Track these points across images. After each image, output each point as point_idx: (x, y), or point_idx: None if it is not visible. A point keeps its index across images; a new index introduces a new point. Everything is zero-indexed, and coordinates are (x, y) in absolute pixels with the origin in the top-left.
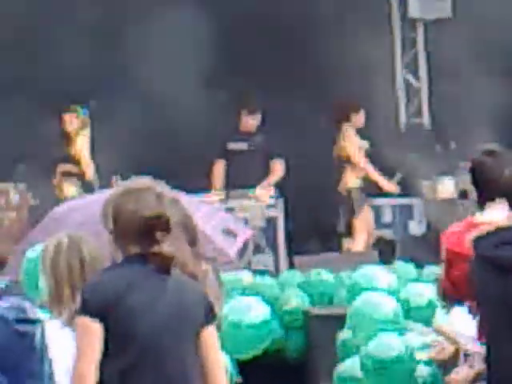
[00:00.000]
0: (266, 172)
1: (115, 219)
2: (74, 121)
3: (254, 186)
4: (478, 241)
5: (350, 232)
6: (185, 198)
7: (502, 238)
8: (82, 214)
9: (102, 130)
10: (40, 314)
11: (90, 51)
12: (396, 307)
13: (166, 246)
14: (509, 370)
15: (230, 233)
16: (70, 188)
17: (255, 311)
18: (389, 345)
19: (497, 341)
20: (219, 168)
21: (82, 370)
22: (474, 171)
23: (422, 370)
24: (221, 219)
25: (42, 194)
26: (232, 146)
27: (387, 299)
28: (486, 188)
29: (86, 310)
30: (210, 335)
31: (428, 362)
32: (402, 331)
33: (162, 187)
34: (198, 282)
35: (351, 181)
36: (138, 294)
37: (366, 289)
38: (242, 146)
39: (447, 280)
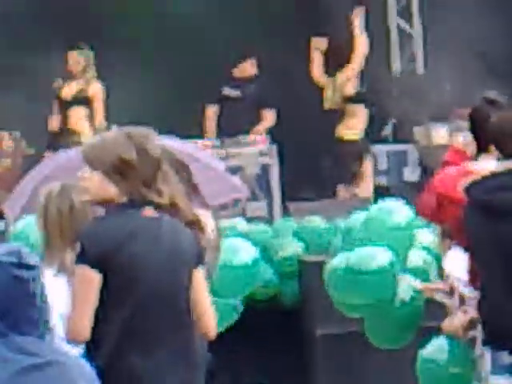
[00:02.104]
0: (257, 120)
1: (115, 166)
2: (80, 60)
3: (245, 133)
4: (471, 187)
5: (351, 180)
6: (179, 145)
7: (496, 183)
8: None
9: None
10: (38, 260)
11: None
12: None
13: (165, 192)
14: (503, 317)
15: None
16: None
17: (243, 252)
18: (371, 256)
19: (491, 288)
20: (211, 114)
21: (77, 321)
22: (472, 119)
23: (405, 292)
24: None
25: (38, 142)
26: (226, 91)
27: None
28: (482, 135)
29: (85, 258)
30: (200, 276)
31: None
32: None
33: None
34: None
35: (359, 127)
36: (137, 240)
37: (361, 235)
38: (236, 92)
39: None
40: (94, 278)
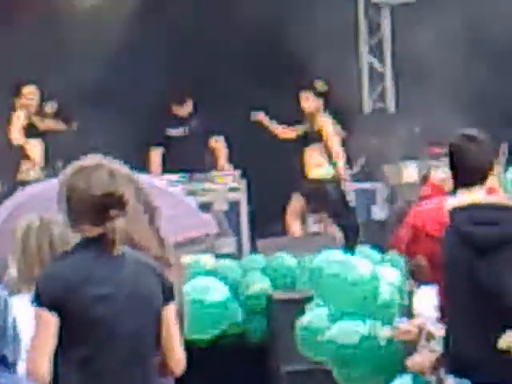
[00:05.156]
0: (208, 151)
1: (68, 199)
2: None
3: (202, 168)
4: (456, 212)
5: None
6: (149, 179)
7: (479, 216)
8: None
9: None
10: (5, 294)
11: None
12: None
13: (119, 223)
14: (467, 348)
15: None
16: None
17: (214, 291)
18: (352, 329)
19: (457, 317)
20: (156, 155)
21: (35, 362)
22: (453, 155)
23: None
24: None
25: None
26: (171, 131)
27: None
28: (466, 173)
29: (41, 301)
30: (169, 312)
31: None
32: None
33: (116, 164)
34: (153, 261)
35: (328, 170)
36: (94, 281)
37: (328, 273)
38: (180, 131)
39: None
40: (50, 319)
